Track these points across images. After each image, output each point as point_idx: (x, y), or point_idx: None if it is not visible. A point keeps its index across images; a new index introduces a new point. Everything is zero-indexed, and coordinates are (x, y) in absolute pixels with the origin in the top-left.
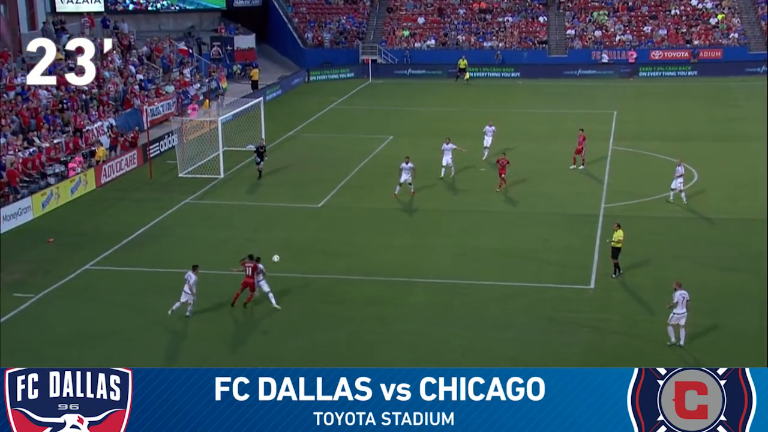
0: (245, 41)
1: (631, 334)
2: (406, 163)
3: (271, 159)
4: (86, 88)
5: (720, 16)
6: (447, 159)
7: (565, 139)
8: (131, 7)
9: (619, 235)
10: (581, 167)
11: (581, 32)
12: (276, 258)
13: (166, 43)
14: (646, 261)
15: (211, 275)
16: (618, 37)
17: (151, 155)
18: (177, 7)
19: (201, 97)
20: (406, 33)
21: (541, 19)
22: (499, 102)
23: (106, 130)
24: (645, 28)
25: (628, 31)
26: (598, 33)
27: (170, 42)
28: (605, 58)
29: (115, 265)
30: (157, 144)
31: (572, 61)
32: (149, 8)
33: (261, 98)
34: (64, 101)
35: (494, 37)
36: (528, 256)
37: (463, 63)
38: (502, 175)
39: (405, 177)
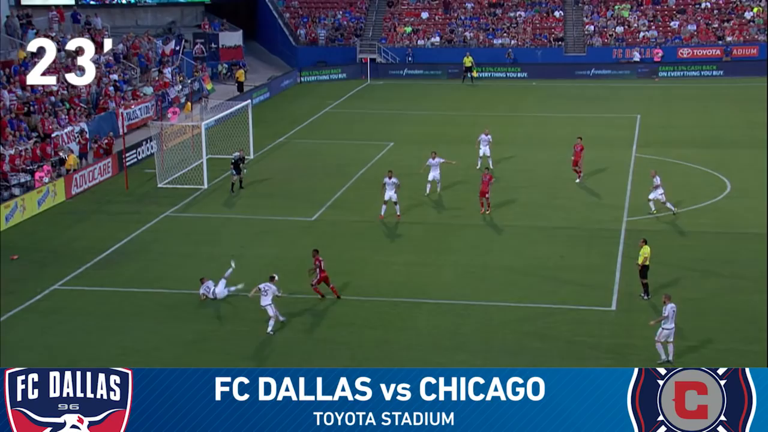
0: (231, 38)
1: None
2: (389, 177)
3: (260, 168)
4: (55, 89)
5: (756, 9)
6: (434, 174)
7: (584, 145)
8: None
9: (645, 251)
10: (577, 180)
11: (601, 28)
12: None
13: (144, 40)
14: (673, 280)
15: (194, 295)
16: (642, 34)
17: (128, 163)
18: (156, 1)
19: (183, 100)
20: (409, 29)
21: (557, 13)
22: (510, 105)
23: (76, 135)
24: (672, 24)
25: (653, 27)
26: (619, 29)
27: (148, 39)
28: (636, 56)
29: (87, 285)
30: (134, 151)
31: (591, 60)
32: (125, 2)
33: (248, 101)
34: (30, 104)
35: (505, 34)
36: (543, 275)
37: (468, 60)
38: (485, 196)
39: (389, 194)
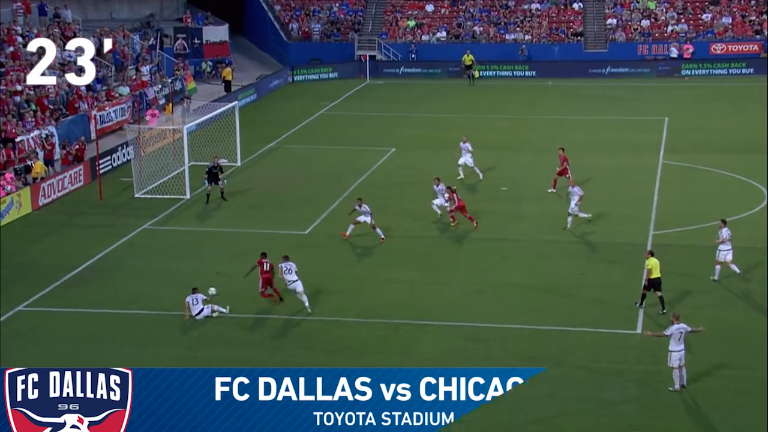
0: (216, 33)
1: (689, 389)
2: (359, 206)
3: (249, 176)
4: (19, 88)
5: None
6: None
7: (605, 151)
8: None
9: (650, 264)
10: (551, 190)
11: (625, 22)
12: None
13: (119, 35)
14: (706, 300)
15: (175, 317)
16: (670, 28)
17: (101, 171)
18: None
19: (162, 101)
20: (412, 24)
21: (575, 5)
22: (522, 106)
23: (44, 140)
24: (704, 16)
25: (682, 20)
26: (645, 23)
27: (124, 34)
28: (674, 52)
29: (56, 306)
30: (109, 158)
31: (613, 57)
32: None
33: (235, 102)
34: None
35: (518, 29)
36: (560, 294)
37: (468, 59)
38: (453, 209)
39: (364, 219)
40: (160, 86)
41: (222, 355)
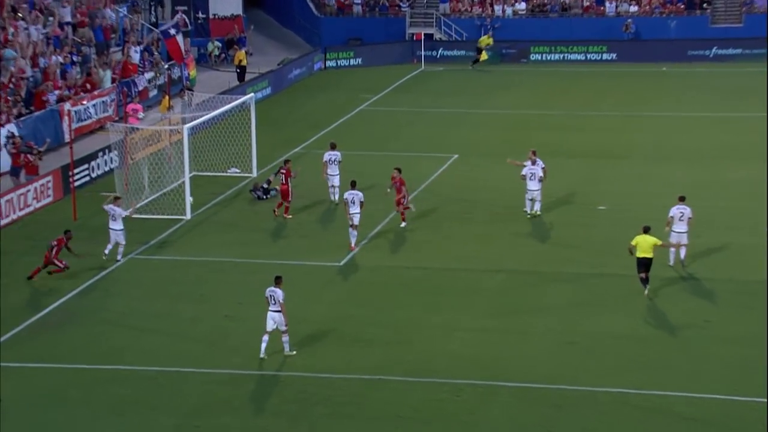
0: (227, 6)
1: None
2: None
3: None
4: None
5: None
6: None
7: (744, 158)
8: None
9: (636, 240)
10: (402, 224)
11: None
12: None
13: (100, 5)
14: None
15: (173, 374)
16: None
17: (77, 184)
18: None
19: (156, 92)
20: None
21: None
22: (629, 100)
23: (4, 142)
24: None
25: None
26: None
27: (108, 3)
28: None
29: (16, 360)
30: (86, 166)
31: (750, 33)
32: None
33: (251, 95)
34: None
35: None
36: (677, 348)
37: (487, 40)
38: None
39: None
40: (153, 73)
41: (231, 424)
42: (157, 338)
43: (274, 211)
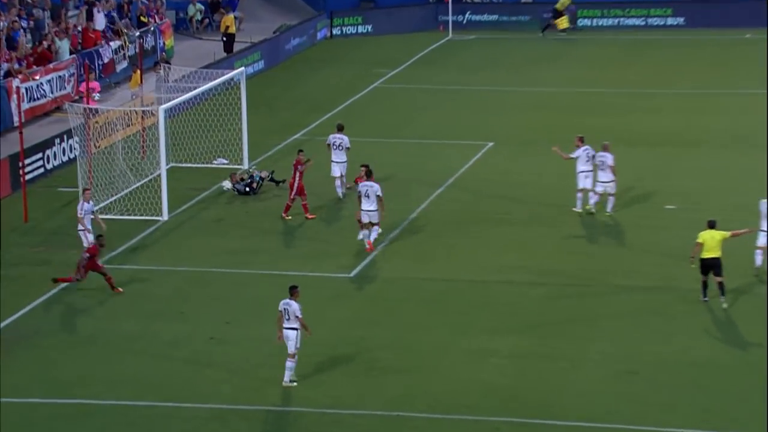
0: None
1: None
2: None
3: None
4: None
5: None
6: (601, 176)
7: None
8: None
9: (703, 237)
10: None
11: None
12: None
13: None
14: None
15: (148, 409)
16: None
17: (28, 177)
18: None
19: (125, 65)
20: None
21: None
22: (704, 76)
23: None
24: None
25: None
26: None
27: None
28: None
29: None
30: (40, 155)
31: None
32: None
33: (242, 69)
34: None
35: None
36: (758, 382)
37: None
38: (295, 195)
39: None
40: (120, 42)
41: None
42: (129, 365)
43: (305, 215)
